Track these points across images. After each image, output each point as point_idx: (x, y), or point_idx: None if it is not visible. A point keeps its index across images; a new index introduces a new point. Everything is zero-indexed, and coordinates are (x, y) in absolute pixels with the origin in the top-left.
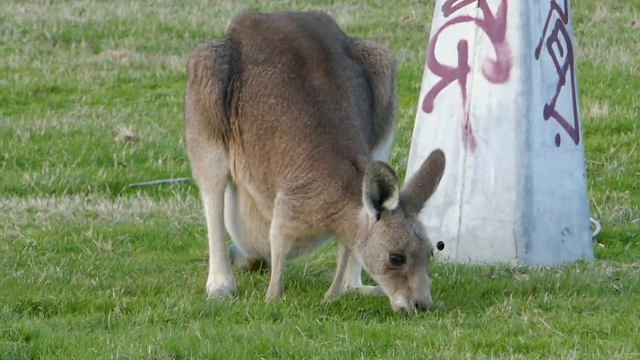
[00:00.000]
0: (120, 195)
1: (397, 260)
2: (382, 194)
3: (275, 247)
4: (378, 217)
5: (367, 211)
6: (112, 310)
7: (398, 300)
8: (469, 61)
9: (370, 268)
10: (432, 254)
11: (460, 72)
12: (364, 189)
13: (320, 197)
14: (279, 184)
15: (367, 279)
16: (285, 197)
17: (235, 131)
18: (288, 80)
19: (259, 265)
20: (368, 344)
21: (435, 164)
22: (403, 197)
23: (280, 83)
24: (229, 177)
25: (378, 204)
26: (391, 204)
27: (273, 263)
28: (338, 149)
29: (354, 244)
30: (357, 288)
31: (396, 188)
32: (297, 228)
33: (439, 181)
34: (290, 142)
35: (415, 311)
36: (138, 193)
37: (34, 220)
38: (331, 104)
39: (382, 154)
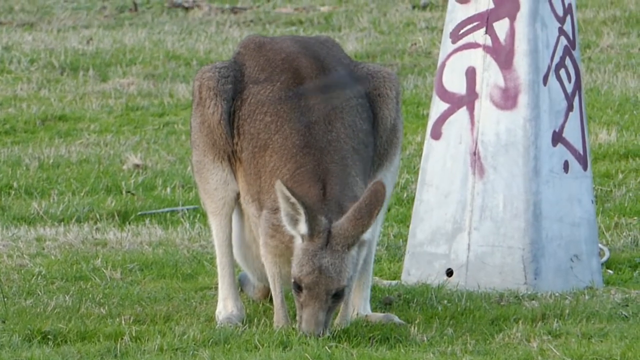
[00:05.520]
0: (129, 223)
1: (295, 287)
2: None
3: (268, 267)
4: (302, 238)
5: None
6: (122, 339)
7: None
8: (477, 88)
9: None
10: (337, 294)
11: (469, 99)
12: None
13: None
14: (265, 202)
15: (376, 306)
16: (268, 214)
17: (239, 151)
18: (285, 98)
19: (268, 294)
20: None
21: (375, 196)
22: (336, 228)
23: (276, 101)
24: (236, 199)
25: (296, 223)
26: (301, 228)
27: (271, 285)
28: (318, 172)
29: None
30: (366, 315)
31: (301, 210)
32: (276, 247)
33: (377, 214)
34: (279, 161)
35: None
36: (147, 221)
37: (43, 249)
38: (322, 125)
39: (388, 176)
